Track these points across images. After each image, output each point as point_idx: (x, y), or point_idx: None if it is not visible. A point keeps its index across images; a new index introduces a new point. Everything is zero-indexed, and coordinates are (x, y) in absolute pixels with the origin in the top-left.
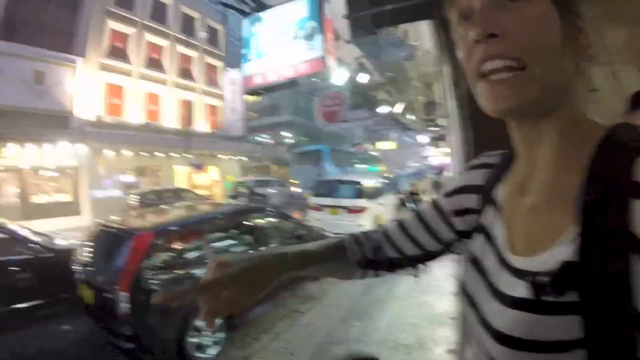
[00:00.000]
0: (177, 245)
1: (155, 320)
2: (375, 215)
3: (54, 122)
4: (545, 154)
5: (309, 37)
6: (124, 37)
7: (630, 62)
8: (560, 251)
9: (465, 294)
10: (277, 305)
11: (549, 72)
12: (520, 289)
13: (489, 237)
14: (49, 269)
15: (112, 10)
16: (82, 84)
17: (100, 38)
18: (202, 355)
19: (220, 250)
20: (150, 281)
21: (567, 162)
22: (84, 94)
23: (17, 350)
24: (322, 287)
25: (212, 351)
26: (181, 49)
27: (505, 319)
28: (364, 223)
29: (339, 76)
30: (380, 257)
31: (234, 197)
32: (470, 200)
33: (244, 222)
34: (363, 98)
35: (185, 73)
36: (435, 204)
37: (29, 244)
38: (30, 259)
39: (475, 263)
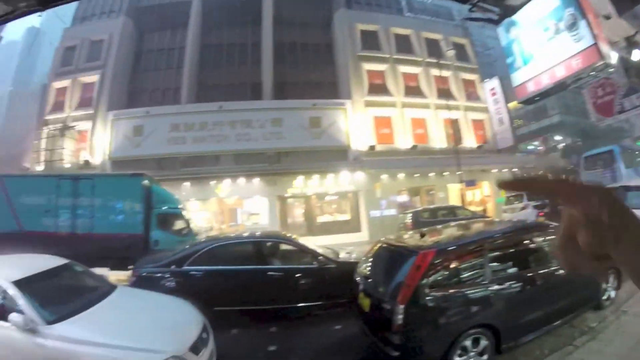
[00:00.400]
0: (455, 264)
1: (425, 334)
2: None
3: (334, 156)
4: None
5: (572, 26)
6: (380, 74)
7: None
8: None
9: None
10: (551, 334)
11: None
12: None
13: None
14: (330, 277)
15: (363, 54)
16: (354, 121)
17: (361, 80)
18: None
19: (497, 271)
20: (426, 297)
21: None
22: (356, 129)
23: (287, 340)
24: (602, 318)
25: None
26: (434, 71)
27: None
28: None
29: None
30: None
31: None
32: None
33: (525, 241)
34: None
35: (445, 93)
36: None
37: (315, 256)
38: (314, 268)
39: None
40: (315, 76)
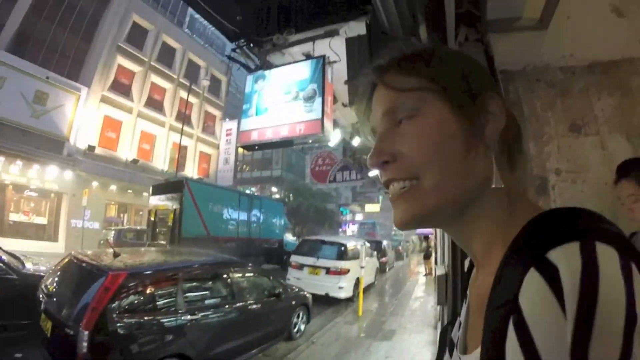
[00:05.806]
0: (150, 290)
1: None
2: (357, 278)
3: (47, 144)
4: (478, 255)
5: (309, 99)
6: (130, 74)
7: (618, 132)
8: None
9: None
10: None
11: (446, 180)
12: None
13: (459, 327)
14: (10, 291)
15: (123, 46)
16: (83, 112)
17: (108, 71)
18: None
19: (193, 301)
20: (115, 323)
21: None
22: (82, 122)
23: None
24: (294, 348)
25: None
26: (183, 93)
27: None
28: (344, 285)
29: (332, 137)
30: None
31: None
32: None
33: (222, 275)
34: (354, 160)
35: (185, 117)
36: None
37: None
38: None
39: (450, 348)
40: (66, 46)
